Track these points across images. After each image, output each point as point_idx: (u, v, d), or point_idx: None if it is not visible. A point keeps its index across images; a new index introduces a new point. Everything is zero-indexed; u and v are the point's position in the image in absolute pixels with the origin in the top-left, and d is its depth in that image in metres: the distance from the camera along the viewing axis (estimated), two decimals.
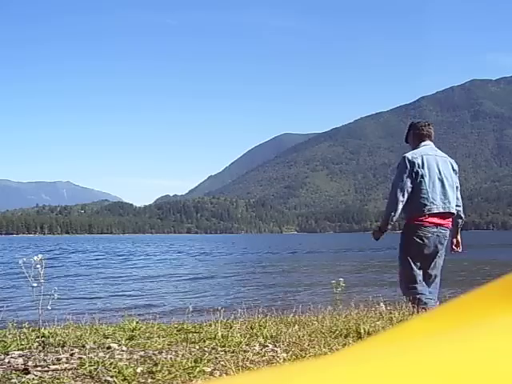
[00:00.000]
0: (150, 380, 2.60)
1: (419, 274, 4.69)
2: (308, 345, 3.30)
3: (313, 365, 0.51)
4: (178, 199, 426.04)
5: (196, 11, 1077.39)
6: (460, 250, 5.07)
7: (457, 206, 4.88)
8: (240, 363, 2.87)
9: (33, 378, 2.63)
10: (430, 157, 4.71)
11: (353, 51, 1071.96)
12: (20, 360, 2.95)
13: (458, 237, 5.06)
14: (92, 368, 2.74)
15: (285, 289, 13.67)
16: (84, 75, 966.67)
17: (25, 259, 4.03)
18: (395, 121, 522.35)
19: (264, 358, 3.01)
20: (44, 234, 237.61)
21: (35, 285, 3.90)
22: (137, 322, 3.92)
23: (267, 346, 3.28)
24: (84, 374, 2.69)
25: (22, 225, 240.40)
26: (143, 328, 3.79)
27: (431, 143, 4.86)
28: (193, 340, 3.42)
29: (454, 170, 4.89)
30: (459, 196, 4.95)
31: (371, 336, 0.73)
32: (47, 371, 2.75)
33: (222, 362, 2.89)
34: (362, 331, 3.59)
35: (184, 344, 3.31)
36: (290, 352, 3.15)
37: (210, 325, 3.87)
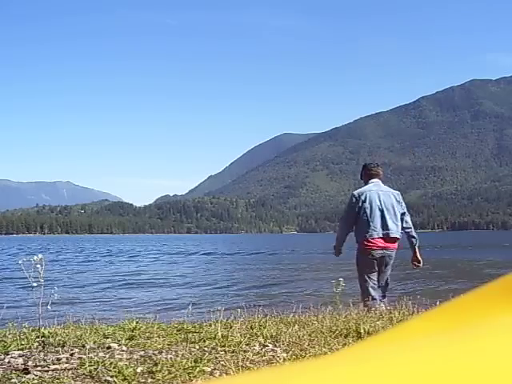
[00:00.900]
0: (149, 380, 2.60)
1: (372, 285, 5.67)
2: (308, 345, 3.30)
3: (313, 365, 0.51)
4: (178, 199, 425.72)
5: (196, 11, 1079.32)
6: (421, 265, 6.02)
7: (407, 228, 5.88)
8: (240, 363, 2.87)
9: (33, 378, 2.63)
10: (373, 192, 5.75)
11: (353, 51, 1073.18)
12: (20, 360, 2.95)
13: (417, 254, 5.94)
14: (92, 368, 2.74)
15: (284, 289, 13.67)
16: (84, 75, 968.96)
17: (24, 259, 4.03)
18: (395, 121, 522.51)
19: (264, 358, 3.01)
20: (44, 233, 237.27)
21: (35, 285, 3.90)
22: (137, 322, 3.92)
23: (267, 346, 3.28)
24: (84, 374, 2.69)
25: (21, 225, 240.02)
26: (143, 328, 3.79)
27: (379, 181, 5.91)
28: (193, 340, 3.42)
29: (397, 200, 5.85)
30: (408, 219, 5.92)
31: (371, 336, 0.73)
32: (47, 371, 2.75)
33: (222, 362, 2.89)
34: (362, 331, 3.59)
35: (184, 344, 3.31)
36: (290, 352, 3.16)
37: (210, 325, 3.87)
